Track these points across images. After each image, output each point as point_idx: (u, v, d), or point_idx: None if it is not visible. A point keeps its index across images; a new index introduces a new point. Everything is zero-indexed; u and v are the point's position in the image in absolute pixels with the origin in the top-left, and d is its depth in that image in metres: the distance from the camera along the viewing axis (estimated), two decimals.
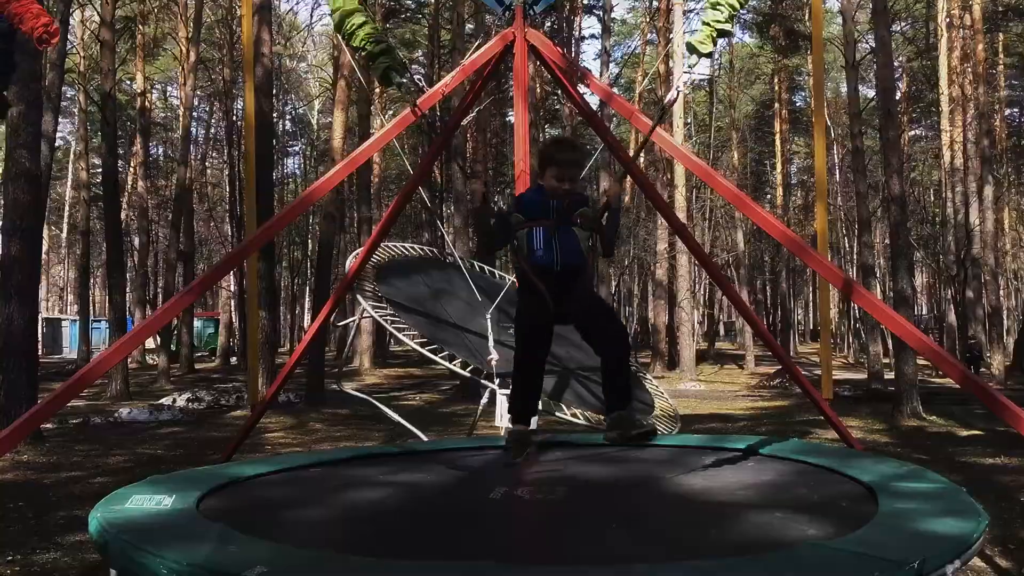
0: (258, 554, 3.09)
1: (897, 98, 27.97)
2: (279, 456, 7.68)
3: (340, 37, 5.43)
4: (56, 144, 26.43)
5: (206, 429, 14.93)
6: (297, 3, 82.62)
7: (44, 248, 39.16)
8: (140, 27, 33.11)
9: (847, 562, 2.92)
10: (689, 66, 5.61)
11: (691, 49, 5.42)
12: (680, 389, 24.55)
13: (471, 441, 6.81)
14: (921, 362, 21.94)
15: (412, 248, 11.32)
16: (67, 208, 53.04)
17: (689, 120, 33.18)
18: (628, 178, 7.16)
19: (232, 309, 39.80)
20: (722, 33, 5.08)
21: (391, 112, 40.72)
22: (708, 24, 5.02)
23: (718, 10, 4.98)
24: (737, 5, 5.05)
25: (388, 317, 8.48)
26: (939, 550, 3.06)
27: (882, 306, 6.01)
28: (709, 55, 4.95)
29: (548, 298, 3.57)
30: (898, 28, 35.67)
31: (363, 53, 5.36)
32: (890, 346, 24.57)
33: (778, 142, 41.86)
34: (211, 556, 3.06)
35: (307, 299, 53.86)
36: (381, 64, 5.22)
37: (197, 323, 42.68)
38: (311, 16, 53.33)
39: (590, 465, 5.37)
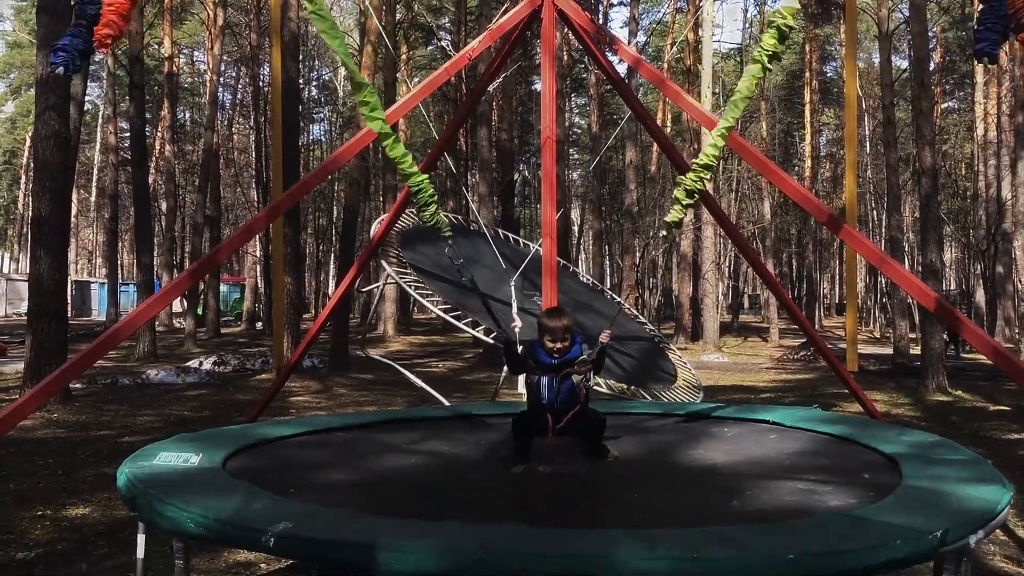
0: (282, 511, 3.14)
1: (931, 69, 27.44)
2: (304, 418, 7.76)
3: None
4: (84, 108, 26.60)
5: (232, 392, 15.10)
6: None
7: (73, 211, 39.54)
8: None
9: (870, 531, 2.92)
10: (662, 235, 5.82)
11: (665, 227, 5.54)
12: (703, 361, 24.49)
13: (494, 407, 6.84)
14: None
15: (446, 216, 11.31)
16: (95, 172, 53.49)
17: (718, 90, 32.76)
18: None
19: (258, 275, 40.06)
20: (688, 206, 5.25)
21: (417, 79, 40.56)
22: (679, 202, 5.20)
23: (682, 198, 5.16)
24: (700, 186, 5.17)
25: (412, 283, 8.51)
26: (962, 521, 3.05)
27: (908, 275, 5.95)
28: (678, 225, 5.24)
29: (543, 421, 4.54)
30: None
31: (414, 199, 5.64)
32: (917, 320, 24.35)
33: (808, 113, 41.31)
34: (236, 512, 3.11)
35: (332, 265, 54.11)
36: (435, 216, 5.68)
37: (223, 288, 43.05)
38: None
39: (613, 433, 5.38)
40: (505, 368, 8.59)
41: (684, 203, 5.15)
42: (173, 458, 3.92)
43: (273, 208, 6.23)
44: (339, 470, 4.44)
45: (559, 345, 4.56)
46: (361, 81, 5.09)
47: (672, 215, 5.23)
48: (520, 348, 4.90)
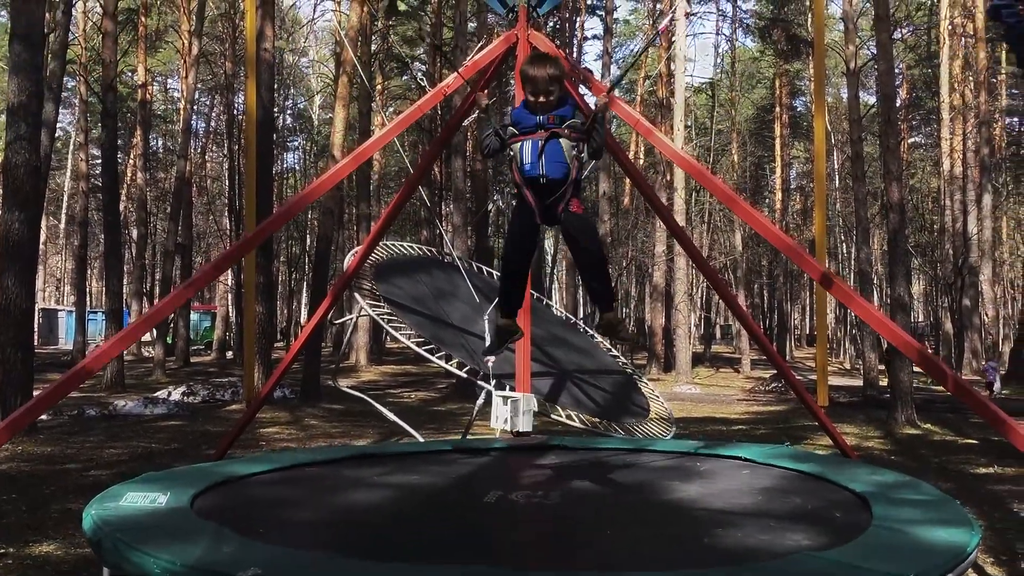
0: (252, 555, 3.10)
1: (897, 105, 27.98)
2: (273, 454, 7.68)
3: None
4: (55, 134, 26.41)
5: (201, 423, 14.91)
6: None
7: (41, 238, 39.08)
8: (142, 18, 33.05)
9: (841, 573, 2.93)
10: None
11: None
12: (676, 392, 24.56)
13: (467, 442, 6.81)
14: (917, 370, 21.98)
15: (411, 247, 11.32)
16: (65, 199, 52.98)
17: (690, 123, 33.18)
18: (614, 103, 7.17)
19: (229, 303, 39.77)
20: None
21: (391, 109, 40.69)
22: None
23: None
24: None
25: (386, 316, 8.49)
26: (933, 563, 3.07)
27: (868, 307, 6.02)
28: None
29: (535, 207, 3.91)
30: (899, 35, 35.71)
31: None
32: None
33: (778, 146, 41.88)
34: (204, 556, 3.06)
35: (304, 293, 53.82)
36: None
37: (194, 316, 42.64)
38: (313, 11, 53.19)
39: (586, 469, 5.38)
40: (479, 400, 8.58)
41: None
42: (140, 499, 3.86)
43: (247, 242, 6.20)
44: (310, 508, 4.39)
45: (542, 99, 3.88)
46: None
47: None
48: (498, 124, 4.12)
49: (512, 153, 3.97)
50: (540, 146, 3.86)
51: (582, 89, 7.43)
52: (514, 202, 4.17)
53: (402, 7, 6.56)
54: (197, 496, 4.15)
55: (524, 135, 3.92)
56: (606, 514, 4.37)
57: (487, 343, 8.16)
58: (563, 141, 3.88)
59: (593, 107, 4.18)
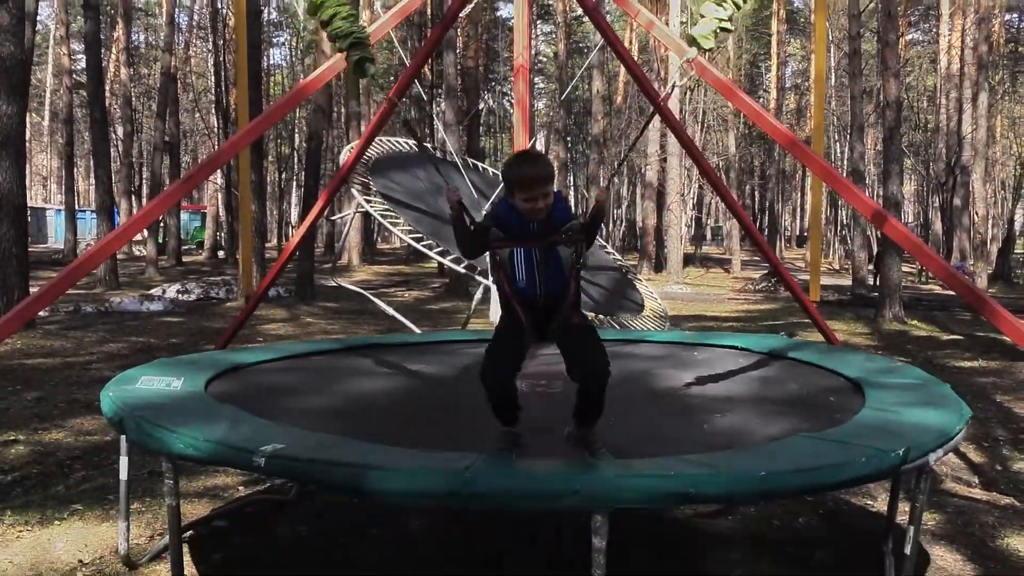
0: (270, 434, 3.20)
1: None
2: (280, 344, 7.80)
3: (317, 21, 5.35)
4: (36, 28, 25.72)
5: (197, 320, 15.05)
6: None
7: (26, 136, 38.52)
8: None
9: (837, 451, 3.06)
10: (687, 59, 5.52)
11: (691, 42, 5.35)
12: (667, 291, 24.79)
13: (467, 334, 6.92)
14: (906, 268, 22.20)
15: (405, 143, 11.25)
16: (48, 94, 51.95)
17: (685, 19, 32.46)
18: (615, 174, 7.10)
19: (219, 203, 39.52)
20: (724, 30, 5.08)
21: (379, 2, 39.64)
22: (710, 19, 4.98)
23: (722, 7, 4.93)
24: (740, 2, 5.02)
25: (383, 212, 8.50)
26: (922, 440, 3.20)
27: (866, 199, 6.07)
28: (710, 50, 4.87)
29: (528, 327, 3.29)
30: None
31: (335, 43, 5.22)
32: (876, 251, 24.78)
33: (775, 43, 41.17)
34: (225, 434, 3.17)
35: (294, 193, 53.48)
36: (354, 56, 5.10)
37: (184, 216, 42.44)
38: None
39: None
40: (477, 295, 8.69)
41: (722, 15, 4.90)
42: (156, 382, 3.95)
43: (242, 137, 6.16)
44: (320, 395, 4.51)
45: (541, 205, 3.17)
46: None
47: (705, 27, 5.02)
48: (477, 220, 3.39)
49: (499, 259, 3.27)
50: (537, 260, 3.22)
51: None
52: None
53: (371, 71, 6.41)
54: (211, 381, 4.26)
55: (514, 241, 3.23)
56: (609, 402, 4.49)
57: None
58: (560, 249, 3.24)
59: (591, 208, 3.44)
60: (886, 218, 5.74)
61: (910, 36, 41.84)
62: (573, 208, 3.45)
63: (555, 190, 3.23)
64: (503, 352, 3.30)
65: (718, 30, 5.00)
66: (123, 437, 3.55)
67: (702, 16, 5.07)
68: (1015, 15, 45.00)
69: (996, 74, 35.38)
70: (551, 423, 3.78)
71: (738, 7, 5.21)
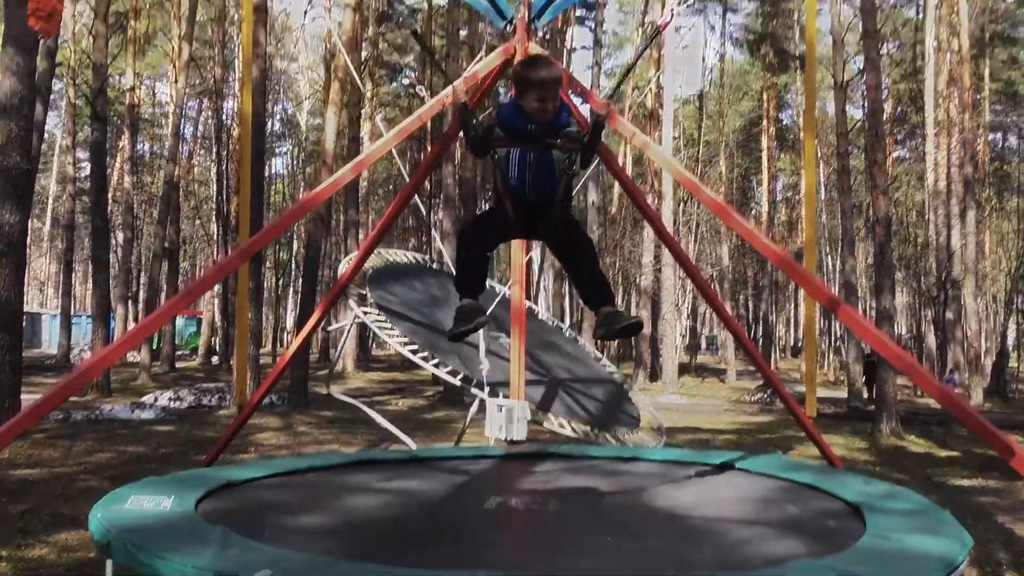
0: (259, 557, 3.14)
1: (883, 119, 28.25)
2: (272, 460, 7.71)
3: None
4: (43, 137, 26.29)
5: (189, 428, 14.88)
6: (290, 4, 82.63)
7: (27, 241, 38.82)
8: (133, 22, 33.00)
9: None
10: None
11: None
12: (663, 401, 24.66)
13: (463, 450, 6.86)
14: (901, 382, 22.18)
15: (403, 254, 11.38)
16: (50, 201, 52.71)
17: (678, 134, 33.37)
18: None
19: (215, 308, 39.62)
20: None
21: (381, 115, 40.75)
22: None
23: None
24: None
25: (380, 324, 8.54)
26: (925, 571, 3.15)
27: (863, 322, 6.12)
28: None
29: (514, 218, 3.58)
30: (885, 50, 36.09)
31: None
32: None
33: (765, 158, 42.19)
34: (214, 558, 3.11)
35: (290, 300, 53.69)
36: None
37: (179, 321, 42.45)
38: (304, 17, 53.24)
39: (581, 477, 5.45)
40: (472, 407, 8.63)
41: None
42: (145, 502, 3.90)
43: (243, 251, 6.23)
44: (311, 513, 4.44)
45: (549, 106, 3.42)
46: None
47: None
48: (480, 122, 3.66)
49: (497, 157, 3.54)
50: (530, 158, 3.48)
51: (576, 102, 7.51)
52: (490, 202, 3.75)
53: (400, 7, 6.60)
54: (201, 500, 4.19)
55: (512, 141, 3.50)
56: (604, 522, 4.44)
57: (480, 351, 8.22)
58: (555, 154, 3.50)
59: (590, 116, 3.84)
60: (879, 340, 5.78)
61: (897, 153, 42.95)
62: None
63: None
64: (488, 227, 3.64)
65: None
66: (109, 561, 3.48)
67: None
68: (998, 135, 46.39)
69: (983, 191, 36.18)
70: (539, 547, 3.72)
71: None
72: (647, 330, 34.54)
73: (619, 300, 48.31)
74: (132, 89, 32.38)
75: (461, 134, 3.80)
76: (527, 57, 3.89)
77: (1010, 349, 39.19)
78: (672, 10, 6.59)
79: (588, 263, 3.72)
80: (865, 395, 23.36)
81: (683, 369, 37.18)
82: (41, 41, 15.86)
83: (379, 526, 4.27)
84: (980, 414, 5.14)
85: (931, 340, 33.74)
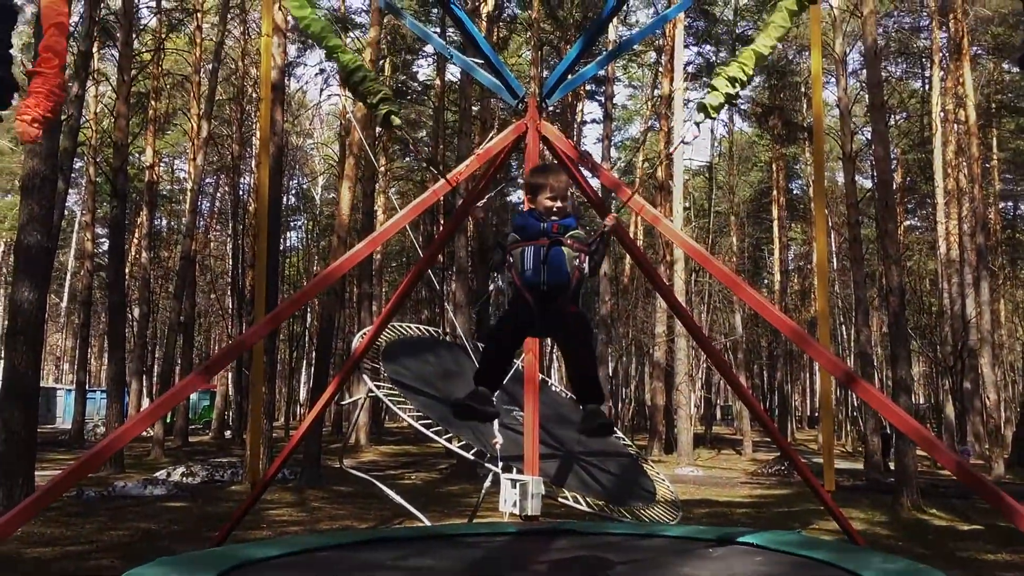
0: None
1: (893, 190, 28.47)
2: (286, 538, 7.64)
3: (343, 79, 5.92)
4: (63, 214, 26.75)
5: (201, 504, 14.80)
6: (307, 83, 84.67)
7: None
8: (153, 102, 33.83)
9: None
10: (696, 123, 5.96)
11: (701, 108, 5.80)
12: (678, 474, 24.36)
13: (478, 526, 6.80)
14: (921, 453, 21.89)
15: (416, 328, 11.44)
16: (68, 277, 53.28)
17: (688, 205, 33.69)
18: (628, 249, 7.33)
19: (229, 381, 39.66)
20: (729, 99, 5.52)
21: (394, 189, 41.33)
22: (717, 89, 5.43)
23: (727, 80, 5.39)
24: (744, 78, 5.44)
25: (392, 398, 8.55)
26: None
27: (880, 396, 6.10)
28: (716, 114, 5.42)
29: (534, 311, 3.86)
30: (893, 120, 36.52)
31: (366, 101, 5.67)
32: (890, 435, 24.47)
33: (776, 228, 42.41)
34: None
35: (303, 372, 53.71)
36: (383, 110, 5.56)
37: (193, 395, 42.49)
38: (320, 94, 54.47)
39: (597, 553, 5.39)
40: (486, 482, 8.58)
41: (724, 90, 5.22)
42: None
43: (261, 326, 6.31)
44: None
45: (559, 205, 3.88)
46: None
47: (710, 98, 5.33)
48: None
49: (512, 259, 3.90)
50: (543, 253, 3.82)
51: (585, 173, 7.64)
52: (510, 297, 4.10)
53: (396, 121, 6.88)
54: None
55: (527, 241, 3.87)
56: None
57: (494, 425, 8.21)
58: (566, 249, 3.85)
59: (599, 228, 4.20)
60: (895, 413, 5.75)
61: (908, 223, 43.14)
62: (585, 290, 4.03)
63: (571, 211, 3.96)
64: (508, 324, 3.95)
65: (722, 99, 5.45)
66: None
67: (714, 88, 5.56)
68: (1009, 203, 46.58)
69: (996, 260, 36.17)
70: None
71: (744, 81, 5.59)
72: (661, 401, 34.34)
73: (633, 371, 48.19)
74: (151, 167, 33.02)
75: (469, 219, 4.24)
76: (537, 165, 4.35)
77: None
78: (698, 124, 6.70)
79: (587, 362, 4.03)
80: (882, 468, 23.04)
81: (698, 440, 36.79)
82: (64, 121, 16.30)
83: None
84: (995, 485, 5.08)
85: (949, 410, 33.38)
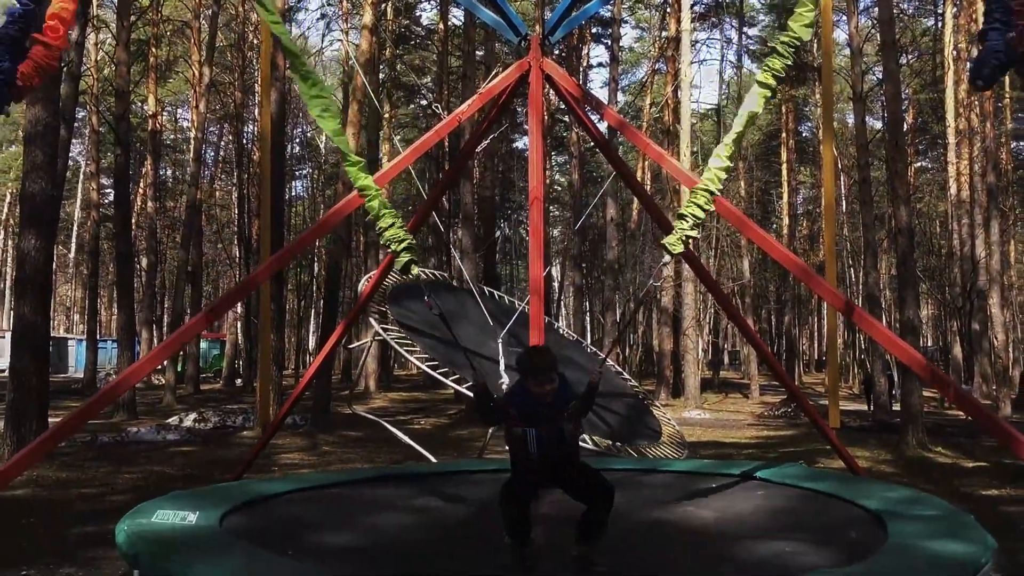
0: (282, 573, 3.17)
1: (904, 129, 28.15)
2: (297, 475, 7.74)
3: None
4: (68, 163, 26.67)
5: (213, 449, 14.97)
6: (308, 29, 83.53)
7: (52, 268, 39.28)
8: (153, 49, 33.48)
9: None
10: (663, 264, 5.92)
11: (664, 249, 5.77)
12: (685, 417, 24.51)
13: (483, 463, 6.87)
14: (928, 394, 21.97)
15: (422, 272, 11.44)
16: (75, 227, 53.37)
17: (696, 149, 33.34)
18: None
19: (239, 331, 39.87)
20: (690, 237, 5.51)
21: (399, 137, 41.01)
22: (678, 229, 5.42)
23: (684, 220, 5.38)
24: (701, 214, 5.42)
25: (398, 340, 8.59)
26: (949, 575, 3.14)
27: (883, 329, 6.10)
28: (681, 254, 5.51)
29: (535, 483, 4.13)
30: (905, 60, 35.92)
31: (390, 246, 5.68)
32: (895, 376, 24.56)
33: (784, 172, 42.02)
34: (238, 573, 3.14)
35: (312, 321, 53.91)
36: (404, 258, 5.60)
37: (203, 344, 42.77)
38: (322, 40, 53.75)
39: None
40: (500, 386, 8.66)
41: (685, 227, 5.26)
42: (170, 516, 3.94)
43: (263, 270, 6.32)
44: (335, 529, 4.47)
45: (548, 387, 4.08)
46: (348, 154, 5.33)
47: (673, 236, 5.35)
48: (496, 397, 4.39)
49: (515, 436, 4.11)
50: (546, 438, 4.05)
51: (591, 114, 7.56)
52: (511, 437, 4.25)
53: (416, 271, 6.93)
54: (226, 515, 4.23)
55: (527, 422, 4.07)
56: (628, 535, 4.44)
57: (501, 365, 8.24)
58: (565, 426, 4.11)
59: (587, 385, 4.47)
60: (897, 345, 5.75)
61: (919, 164, 42.68)
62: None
63: (559, 373, 4.16)
64: (517, 491, 4.06)
65: (684, 239, 5.44)
66: (136, 572, 3.52)
67: (681, 216, 5.52)
68: (1021, 142, 45.99)
69: (1007, 200, 35.83)
70: (561, 563, 3.72)
71: (699, 218, 5.57)
72: (668, 346, 34.43)
73: (640, 316, 48.18)
74: (154, 115, 32.81)
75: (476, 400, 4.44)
76: (530, 348, 4.65)
77: None
78: (664, 263, 6.53)
79: (605, 506, 4.08)
80: (867, 407, 23.15)
81: (706, 385, 36.95)
82: (64, 68, 16.17)
83: (402, 541, 4.29)
84: (991, 411, 5.10)
85: (957, 352, 33.39)
